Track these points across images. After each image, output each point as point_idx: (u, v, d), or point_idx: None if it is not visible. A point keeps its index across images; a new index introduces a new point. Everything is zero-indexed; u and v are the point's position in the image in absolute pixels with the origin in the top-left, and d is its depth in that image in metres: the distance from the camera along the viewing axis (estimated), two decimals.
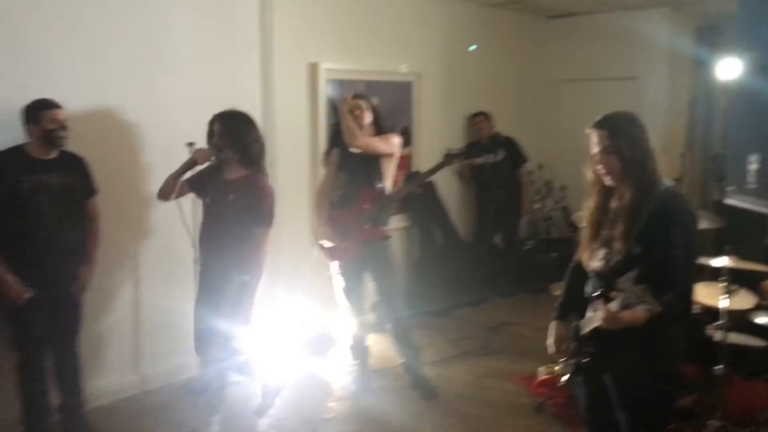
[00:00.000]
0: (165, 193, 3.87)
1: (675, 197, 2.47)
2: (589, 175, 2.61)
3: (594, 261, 2.61)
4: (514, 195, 6.81)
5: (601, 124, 2.49)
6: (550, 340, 2.78)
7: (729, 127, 1.75)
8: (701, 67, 7.33)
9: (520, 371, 4.77)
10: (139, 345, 4.51)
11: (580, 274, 2.73)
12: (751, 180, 1.73)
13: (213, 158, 3.82)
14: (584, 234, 2.66)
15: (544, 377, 4.49)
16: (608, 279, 2.52)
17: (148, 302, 4.48)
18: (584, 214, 2.67)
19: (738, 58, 1.82)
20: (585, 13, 7.30)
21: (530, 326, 5.41)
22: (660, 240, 2.39)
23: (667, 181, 2.52)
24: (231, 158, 3.75)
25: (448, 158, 4.64)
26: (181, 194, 3.92)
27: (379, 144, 4.29)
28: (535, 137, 7.41)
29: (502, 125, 6.83)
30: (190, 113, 4.53)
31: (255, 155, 3.80)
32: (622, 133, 2.45)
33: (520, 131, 7.03)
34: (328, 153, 4.56)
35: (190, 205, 4.12)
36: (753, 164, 1.72)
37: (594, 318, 2.48)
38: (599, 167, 2.52)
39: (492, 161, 6.59)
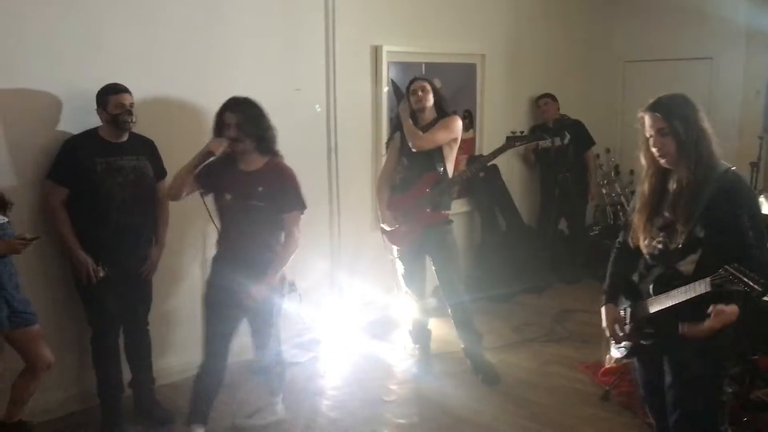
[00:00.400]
0: (177, 191, 3.47)
1: (736, 179, 2.46)
2: (642, 158, 2.61)
3: (651, 244, 2.59)
4: (581, 179, 6.66)
5: (654, 107, 2.49)
6: (605, 324, 2.79)
7: None
8: None
9: (584, 359, 4.68)
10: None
11: (627, 256, 2.76)
12: None
13: (226, 149, 3.42)
14: (639, 217, 2.64)
15: (609, 365, 4.40)
16: (667, 262, 2.53)
17: None
18: (638, 197, 2.67)
19: None
20: None
21: (595, 314, 5.20)
22: (726, 223, 2.38)
23: (726, 163, 2.49)
24: (249, 148, 3.45)
25: (511, 141, 4.58)
26: (190, 192, 3.52)
27: (440, 135, 4.26)
28: (602, 120, 7.21)
29: (569, 108, 6.67)
30: (256, 98, 4.57)
31: (272, 141, 3.55)
32: (676, 115, 2.45)
33: (587, 114, 6.86)
34: (390, 138, 4.57)
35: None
36: None
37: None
38: (655, 150, 2.52)
39: (558, 144, 6.44)
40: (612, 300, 2.81)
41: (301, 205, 3.55)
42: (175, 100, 4.31)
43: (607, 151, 7.19)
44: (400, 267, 4.50)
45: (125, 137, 3.72)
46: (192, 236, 4.49)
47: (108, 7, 3.95)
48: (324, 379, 4.51)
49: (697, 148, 2.43)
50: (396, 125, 4.54)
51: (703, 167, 2.43)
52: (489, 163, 4.87)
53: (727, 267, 2.25)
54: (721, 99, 6.71)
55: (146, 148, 3.84)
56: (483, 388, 4.34)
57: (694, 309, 2.41)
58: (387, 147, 4.63)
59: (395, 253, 4.50)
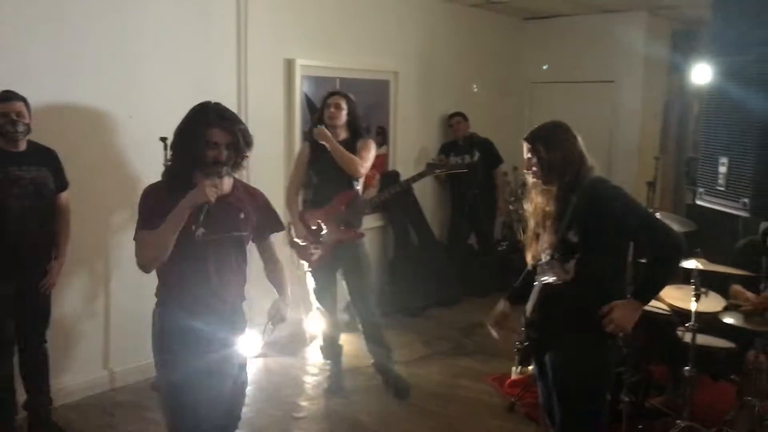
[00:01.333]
0: (153, 263, 2.56)
1: (598, 182, 2.65)
2: (528, 180, 2.84)
3: (540, 257, 2.77)
4: (489, 196, 6.84)
5: (526, 136, 2.77)
6: (491, 312, 2.99)
7: (700, 130, 1.78)
8: (676, 71, 7.42)
9: (492, 371, 4.78)
10: (108, 341, 4.44)
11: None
12: (721, 182, 1.74)
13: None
14: (529, 234, 2.84)
15: (516, 377, 4.51)
16: (552, 269, 2.70)
17: (118, 298, 4.42)
18: (528, 215, 2.86)
19: (708, 62, 1.83)
20: (562, 15, 7.35)
21: (504, 328, 5.42)
22: (600, 221, 2.56)
23: (597, 174, 2.69)
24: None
25: (431, 168, 4.69)
26: None
27: (369, 160, 4.32)
28: (510, 139, 7.41)
29: (478, 126, 6.85)
30: (165, 109, 4.47)
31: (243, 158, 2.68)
32: (539, 139, 2.71)
33: (496, 133, 7.05)
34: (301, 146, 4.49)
35: None
36: (722, 167, 1.73)
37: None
38: (528, 172, 2.78)
39: (468, 162, 6.59)
40: (511, 298, 3.00)
41: (281, 224, 2.99)
42: (82, 108, 4.16)
43: (515, 168, 7.40)
44: (311, 282, 4.47)
45: (23, 147, 3.55)
46: (94, 251, 4.32)
47: (10, 12, 3.78)
48: None
49: (561, 167, 2.65)
50: (306, 134, 4.49)
51: (570, 181, 2.64)
52: (407, 187, 4.92)
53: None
54: (623, 120, 7.07)
55: (47, 158, 3.67)
56: (394, 402, 4.36)
57: (578, 314, 2.59)
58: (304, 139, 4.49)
59: (306, 268, 4.47)
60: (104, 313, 4.40)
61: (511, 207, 7.16)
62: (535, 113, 7.64)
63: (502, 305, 2.98)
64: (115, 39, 4.26)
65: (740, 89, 1.69)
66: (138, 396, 4.33)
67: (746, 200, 1.65)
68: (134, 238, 2.56)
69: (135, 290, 4.38)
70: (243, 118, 4.86)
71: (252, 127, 4.93)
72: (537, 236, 2.78)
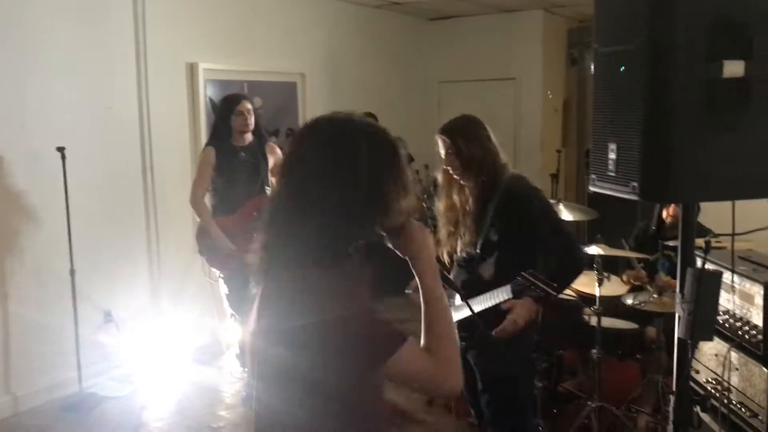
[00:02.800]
0: None
1: (518, 181, 2.70)
2: (440, 177, 2.83)
3: (458, 254, 2.77)
4: None
5: (442, 130, 2.74)
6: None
7: (592, 117, 1.86)
8: (575, 66, 7.71)
9: None
10: (8, 363, 4.21)
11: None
12: (611, 168, 1.81)
13: None
14: (444, 231, 2.82)
15: None
16: (470, 269, 2.72)
17: (18, 316, 4.19)
18: (439, 214, 2.85)
19: (594, 53, 1.90)
20: (464, 15, 7.50)
21: (415, 321, 5.47)
22: (518, 221, 2.61)
23: (513, 170, 2.75)
24: None
25: None
26: None
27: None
28: (420, 138, 7.50)
29: (388, 126, 6.79)
30: (62, 116, 4.31)
31: None
32: (458, 134, 2.69)
33: (405, 132, 7.08)
34: (203, 151, 4.36)
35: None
36: (611, 153, 1.80)
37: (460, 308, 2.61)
38: (447, 167, 2.74)
39: None
40: None
41: None
42: None
43: (426, 167, 7.50)
44: (224, 289, 4.38)
45: None
46: None
47: None
48: (146, 411, 4.27)
49: (481, 162, 2.66)
50: (211, 138, 4.37)
51: (489, 178, 2.66)
52: None
53: (523, 273, 2.45)
54: (525, 116, 7.28)
55: None
56: None
57: (497, 312, 2.59)
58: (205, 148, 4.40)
59: (220, 276, 4.38)
60: (3, 333, 4.17)
61: (424, 204, 7.24)
62: (443, 112, 7.76)
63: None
64: (5, 47, 4.05)
65: (623, 78, 1.76)
66: (46, 419, 4.12)
67: (635, 184, 1.71)
68: None
69: (36, 308, 4.20)
70: (145, 125, 4.81)
71: (155, 134, 4.91)
72: (450, 234, 2.78)
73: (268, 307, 1.45)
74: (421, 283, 1.57)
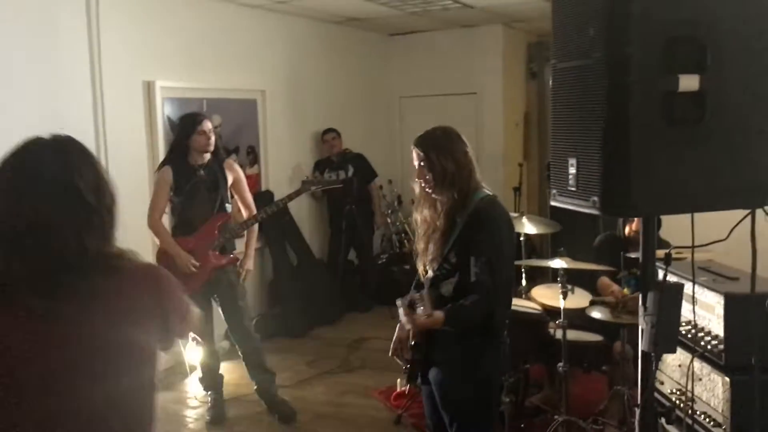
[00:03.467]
0: None
1: (486, 205, 2.60)
2: (416, 189, 2.73)
3: (426, 269, 2.72)
4: (366, 210, 6.87)
5: (416, 142, 2.65)
6: (393, 340, 2.86)
7: (551, 133, 1.86)
8: (535, 80, 7.81)
9: (378, 385, 4.77)
10: None
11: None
12: (572, 183, 1.80)
13: None
14: (418, 245, 2.76)
15: (401, 389, 4.52)
16: (433, 284, 2.67)
17: None
18: (416, 225, 2.79)
19: (551, 68, 1.90)
20: (424, 30, 7.54)
21: (388, 339, 5.42)
22: (469, 248, 2.54)
23: (487, 190, 2.65)
24: None
25: (307, 185, 4.68)
26: None
27: (246, 188, 4.39)
28: (383, 152, 7.53)
29: (351, 142, 6.88)
30: (13, 139, 4.16)
31: None
32: (432, 147, 2.61)
33: (368, 147, 7.11)
34: (159, 169, 4.26)
35: None
36: (572, 167, 1.80)
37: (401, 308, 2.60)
38: (420, 180, 2.66)
39: (342, 178, 6.60)
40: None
41: None
42: None
43: (390, 182, 7.50)
44: None
45: None
46: None
47: None
48: None
49: (453, 178, 2.57)
50: (169, 156, 4.29)
51: (461, 195, 2.58)
52: (282, 206, 4.81)
53: (422, 291, 2.50)
54: (486, 130, 7.33)
55: None
56: (279, 427, 4.25)
57: (450, 334, 2.57)
58: (157, 171, 4.32)
59: None
60: None
61: (388, 220, 7.23)
62: (405, 126, 7.79)
63: (398, 331, 2.81)
64: None
65: (581, 93, 1.76)
66: None
67: (596, 198, 1.71)
68: None
69: None
70: (101, 145, 4.70)
71: (112, 153, 4.80)
72: (424, 247, 2.72)
73: None
74: None
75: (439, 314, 2.47)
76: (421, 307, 2.45)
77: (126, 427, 1.48)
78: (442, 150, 2.59)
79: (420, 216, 2.74)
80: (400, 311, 2.57)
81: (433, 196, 2.66)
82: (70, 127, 4.42)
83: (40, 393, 1.38)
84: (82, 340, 1.43)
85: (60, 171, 1.50)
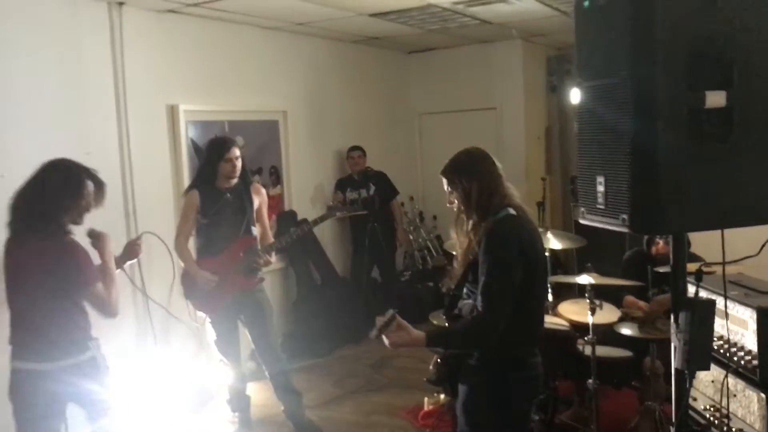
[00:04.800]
0: None
1: (498, 225, 2.51)
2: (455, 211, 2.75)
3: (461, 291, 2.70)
4: (388, 228, 6.86)
5: (443, 169, 2.68)
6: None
7: (578, 150, 1.85)
8: (555, 94, 7.78)
9: (405, 404, 4.75)
10: None
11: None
12: (600, 201, 1.80)
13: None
14: (456, 264, 2.75)
15: (429, 408, 4.50)
16: (457, 305, 2.66)
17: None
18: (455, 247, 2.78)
19: (578, 86, 1.90)
20: (442, 47, 7.56)
21: (413, 357, 5.42)
22: (481, 268, 2.47)
23: (511, 209, 2.57)
24: None
25: (332, 211, 4.73)
26: None
27: (266, 213, 4.42)
28: (404, 170, 7.54)
29: (372, 159, 6.89)
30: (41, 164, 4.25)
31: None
32: (456, 171, 2.63)
33: (389, 165, 7.12)
34: (186, 193, 4.30)
35: None
36: (600, 185, 1.79)
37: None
38: (452, 206, 2.68)
39: (364, 196, 6.62)
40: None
41: None
42: None
43: (411, 199, 7.51)
44: (212, 333, 4.31)
45: None
46: None
47: None
48: None
49: (477, 199, 2.56)
50: (195, 180, 4.34)
51: (481, 215, 2.55)
52: (309, 231, 4.82)
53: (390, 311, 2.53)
54: (507, 145, 7.31)
55: None
56: None
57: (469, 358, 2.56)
58: (185, 195, 4.37)
59: (207, 320, 4.31)
60: None
61: (410, 237, 7.23)
62: (425, 143, 7.80)
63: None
64: None
65: (608, 111, 1.76)
66: None
67: (625, 216, 1.70)
68: None
69: None
70: (126, 168, 4.77)
71: (137, 177, 4.86)
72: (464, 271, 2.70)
73: None
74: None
75: (418, 334, 2.45)
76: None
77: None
78: (464, 173, 2.61)
79: (455, 237, 2.74)
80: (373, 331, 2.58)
81: (463, 217, 2.65)
82: (96, 152, 4.55)
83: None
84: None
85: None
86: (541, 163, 7.71)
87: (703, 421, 2.81)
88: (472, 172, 2.61)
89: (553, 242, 4.45)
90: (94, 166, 4.56)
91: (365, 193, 6.62)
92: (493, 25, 6.36)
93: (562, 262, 6.95)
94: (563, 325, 3.97)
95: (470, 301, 2.56)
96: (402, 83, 7.87)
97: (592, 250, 4.70)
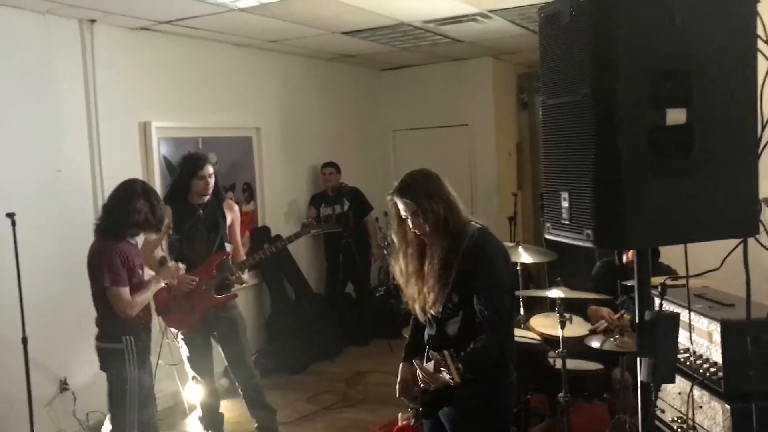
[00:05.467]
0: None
1: (480, 239, 2.58)
2: (394, 237, 2.73)
3: (425, 311, 2.69)
4: (362, 244, 6.88)
5: (401, 192, 2.62)
6: (397, 382, 2.83)
7: (543, 167, 1.90)
8: (526, 111, 7.90)
9: (379, 420, 4.74)
10: None
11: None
12: (565, 216, 1.83)
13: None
14: (408, 291, 2.73)
15: (403, 423, 4.49)
16: (437, 326, 2.67)
17: None
18: (399, 275, 2.76)
19: (541, 104, 1.94)
20: (415, 64, 7.64)
21: (387, 373, 5.42)
22: (473, 286, 2.53)
23: (477, 224, 2.63)
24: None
25: (307, 228, 4.69)
26: None
27: (238, 230, 4.38)
28: (378, 185, 7.55)
29: (346, 175, 6.92)
30: (11, 181, 4.22)
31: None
32: (420, 194, 2.58)
33: (363, 181, 7.15)
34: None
35: None
36: (564, 201, 1.83)
37: (421, 371, 2.56)
38: (415, 231, 2.63)
39: (338, 212, 6.64)
40: (407, 359, 2.84)
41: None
42: None
43: (385, 214, 7.51)
44: (185, 350, 4.27)
45: None
46: None
47: None
48: None
49: (445, 219, 2.56)
50: (168, 197, 4.31)
51: (453, 235, 2.56)
52: (283, 248, 4.81)
53: (444, 352, 2.39)
54: (480, 161, 7.40)
55: None
56: None
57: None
58: None
59: (179, 336, 4.28)
60: None
61: (385, 252, 7.25)
62: (399, 159, 7.86)
63: (402, 373, 2.81)
64: None
65: (571, 129, 1.80)
66: None
67: (589, 231, 1.74)
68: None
69: None
70: (98, 185, 4.74)
71: (109, 194, 4.81)
72: (418, 291, 2.69)
73: None
74: None
75: (452, 378, 2.40)
76: (445, 371, 2.38)
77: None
78: (431, 194, 2.57)
79: (399, 265, 2.73)
80: (419, 373, 2.53)
81: (427, 241, 2.64)
82: (68, 169, 4.51)
83: None
84: None
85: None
86: (512, 179, 7.79)
87: None
88: (438, 192, 2.60)
89: (525, 256, 4.49)
90: (66, 184, 4.58)
91: (339, 209, 6.64)
92: (464, 43, 6.45)
93: (533, 276, 7.01)
94: (535, 339, 4.01)
95: (458, 317, 2.58)
96: (375, 100, 7.93)
97: (563, 263, 4.77)
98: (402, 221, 2.68)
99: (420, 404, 2.75)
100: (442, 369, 2.40)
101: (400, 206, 2.63)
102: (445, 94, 7.57)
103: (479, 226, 2.63)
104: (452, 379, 2.37)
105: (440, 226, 2.56)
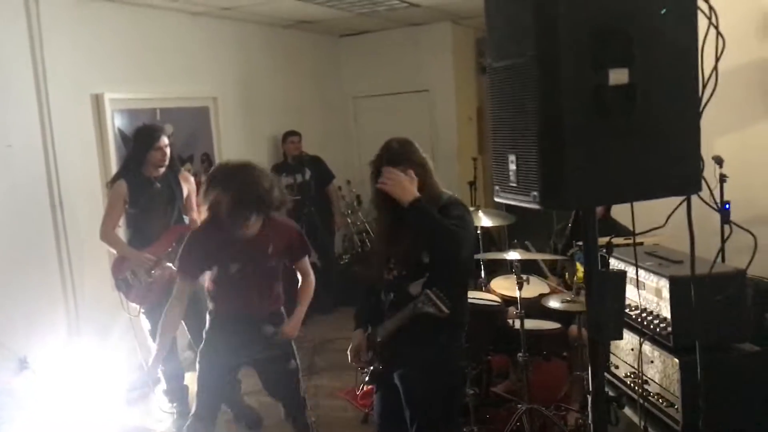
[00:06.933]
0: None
1: (455, 203, 2.73)
2: (373, 205, 2.86)
3: (387, 273, 2.76)
4: (325, 212, 6.87)
5: (388, 161, 2.69)
6: (349, 349, 2.94)
7: (491, 130, 1.90)
8: (485, 74, 7.88)
9: (344, 386, 4.80)
10: None
11: (375, 284, 2.91)
12: (513, 179, 1.85)
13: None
14: (377, 254, 2.85)
15: (367, 388, 4.55)
16: (399, 288, 2.74)
17: None
18: (374, 231, 2.86)
19: (488, 67, 1.95)
20: (374, 30, 7.57)
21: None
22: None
23: (448, 192, 2.78)
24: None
25: None
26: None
27: (195, 201, 4.27)
28: (340, 154, 7.55)
29: (307, 144, 6.87)
30: None
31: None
32: (405, 161, 2.69)
33: (325, 149, 7.11)
34: (113, 183, 4.24)
35: None
36: (512, 164, 1.84)
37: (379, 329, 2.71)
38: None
39: (300, 181, 6.60)
40: (360, 326, 2.96)
41: (309, 249, 3.75)
42: None
43: (348, 182, 7.52)
44: (146, 324, 4.25)
45: None
46: None
47: None
48: None
49: (424, 184, 2.67)
50: (123, 170, 4.25)
51: (429, 200, 2.64)
52: None
53: (428, 291, 2.52)
54: (440, 126, 7.40)
55: None
56: None
57: (421, 330, 2.64)
58: (109, 190, 4.32)
59: (140, 310, 4.25)
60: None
61: (348, 220, 7.25)
62: (360, 126, 7.82)
63: (356, 340, 2.94)
64: None
65: (517, 91, 1.80)
66: None
67: (535, 193, 1.76)
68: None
69: None
70: (51, 160, 4.64)
71: (62, 168, 4.73)
72: (386, 255, 2.79)
73: None
74: None
75: (413, 191, 2.56)
76: (432, 307, 2.54)
77: None
78: (414, 161, 2.70)
79: (381, 221, 2.86)
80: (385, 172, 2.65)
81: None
82: (18, 144, 4.41)
83: None
84: None
85: None
86: (473, 144, 7.82)
87: (621, 388, 2.94)
88: (419, 158, 2.73)
89: (485, 220, 4.54)
90: (17, 159, 4.46)
91: (301, 178, 6.60)
92: (422, 7, 6.39)
93: (495, 240, 7.08)
94: (495, 301, 4.07)
95: (422, 279, 2.66)
96: (335, 67, 7.85)
97: (524, 226, 4.82)
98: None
99: (372, 369, 2.82)
100: (430, 305, 2.52)
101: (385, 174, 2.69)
102: (405, 59, 7.52)
103: (451, 194, 2.77)
104: (442, 311, 2.50)
105: (423, 191, 2.64)
